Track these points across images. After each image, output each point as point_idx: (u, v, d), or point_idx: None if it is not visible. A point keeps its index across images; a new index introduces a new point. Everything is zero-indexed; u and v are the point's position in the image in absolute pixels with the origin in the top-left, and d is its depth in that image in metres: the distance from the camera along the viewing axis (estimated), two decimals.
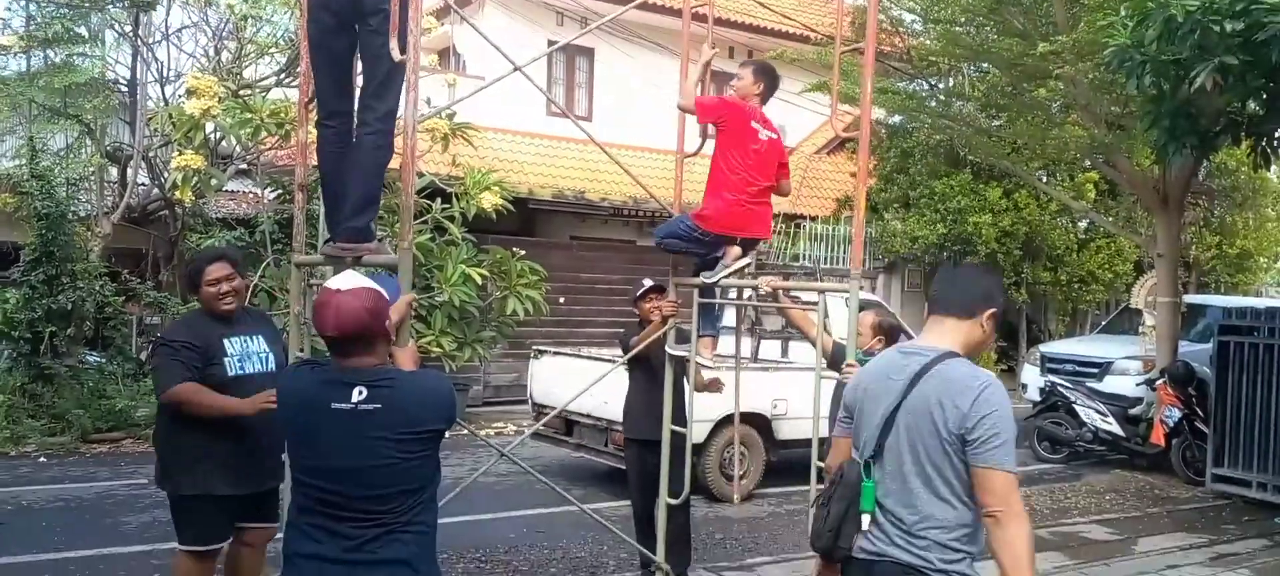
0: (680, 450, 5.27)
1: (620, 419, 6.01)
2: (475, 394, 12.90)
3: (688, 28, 5.43)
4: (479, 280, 10.22)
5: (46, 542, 6.31)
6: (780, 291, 4.97)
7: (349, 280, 2.71)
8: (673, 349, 5.27)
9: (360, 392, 2.59)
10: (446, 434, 2.78)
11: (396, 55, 3.58)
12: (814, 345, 4.58)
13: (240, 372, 4.00)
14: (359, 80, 3.97)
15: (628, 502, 6.04)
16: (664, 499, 5.26)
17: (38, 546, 6.21)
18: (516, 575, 6.05)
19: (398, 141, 3.85)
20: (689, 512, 5.71)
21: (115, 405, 9.78)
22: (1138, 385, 10.96)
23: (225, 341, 4.01)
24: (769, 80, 4.89)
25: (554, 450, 9.55)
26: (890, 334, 4.70)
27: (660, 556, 5.35)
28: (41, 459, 9.06)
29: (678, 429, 5.27)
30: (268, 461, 4.02)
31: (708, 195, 4.84)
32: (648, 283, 5.69)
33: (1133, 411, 10.45)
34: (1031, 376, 13.11)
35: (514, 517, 7.34)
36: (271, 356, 4.14)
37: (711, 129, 5.05)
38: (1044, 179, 14.88)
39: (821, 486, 2.82)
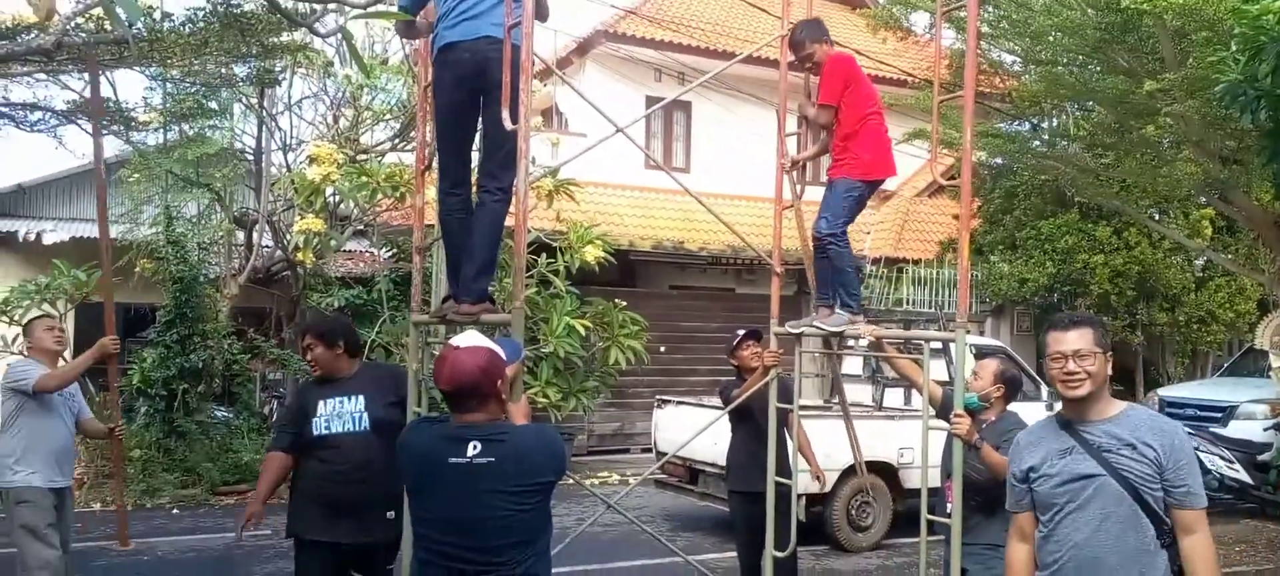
0: (786, 501, 5.28)
1: None
2: (580, 443, 13.09)
3: (785, 79, 5.54)
4: (582, 331, 10.46)
5: None
6: (883, 340, 4.99)
7: (468, 339, 2.87)
8: (776, 402, 5.30)
9: (475, 447, 2.72)
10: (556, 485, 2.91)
11: (508, 125, 3.78)
12: (926, 393, 4.55)
13: (325, 432, 4.24)
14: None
15: (733, 553, 6.08)
16: (769, 551, 5.26)
17: None
18: None
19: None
20: (796, 566, 5.71)
21: (242, 458, 10.28)
22: (1266, 430, 10.45)
23: (320, 402, 4.29)
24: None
25: (660, 499, 9.65)
26: (1011, 384, 4.56)
27: None
28: (175, 510, 9.57)
29: (783, 481, 5.29)
30: (370, 514, 4.22)
31: (856, 149, 4.90)
32: (742, 332, 5.76)
33: (1261, 458, 9.97)
34: None
35: (620, 568, 7.43)
36: (365, 416, 4.30)
37: (810, 172, 5.19)
38: (1157, 217, 14.39)
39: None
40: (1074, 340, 2.81)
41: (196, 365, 10.28)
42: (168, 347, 10.27)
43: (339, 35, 2.60)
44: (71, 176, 14.06)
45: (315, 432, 4.24)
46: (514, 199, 3.92)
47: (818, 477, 6.04)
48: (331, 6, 3.63)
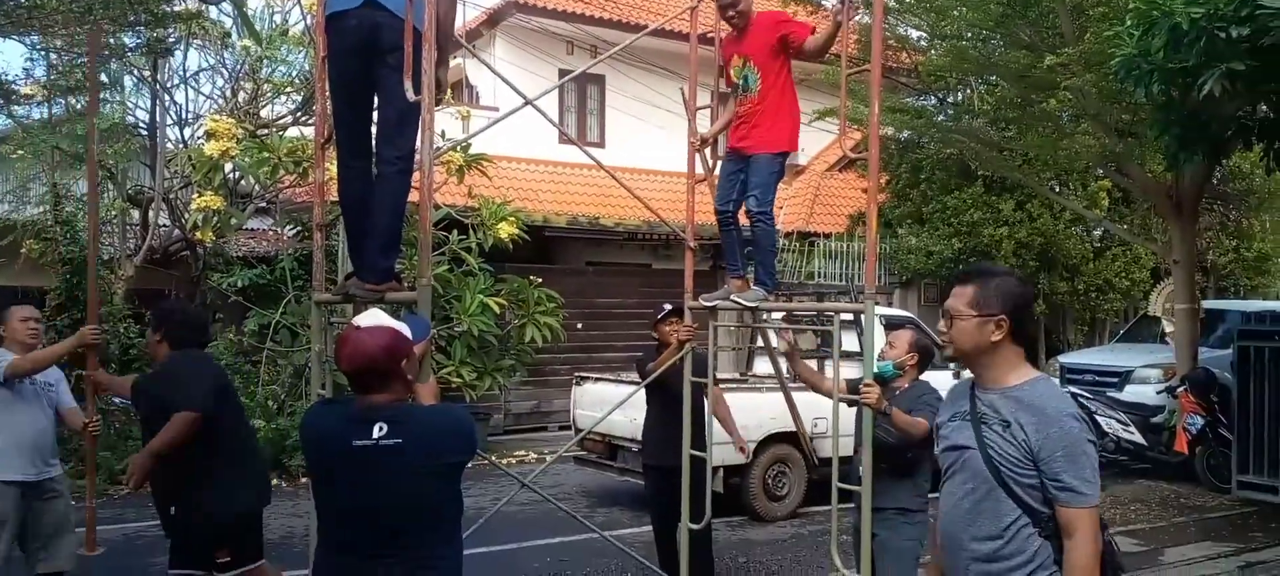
0: (701, 475, 5.29)
1: None
2: (496, 422, 12.96)
3: (696, 52, 5.51)
4: (497, 309, 10.32)
5: None
6: (793, 348, 5.09)
7: (371, 318, 2.77)
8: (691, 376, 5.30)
9: (381, 428, 2.64)
10: (468, 465, 2.83)
11: (411, 96, 3.66)
12: (835, 394, 4.59)
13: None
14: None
15: (650, 527, 6.07)
16: (685, 524, 5.27)
17: None
18: None
19: (416, 176, 3.93)
20: (711, 538, 5.73)
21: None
22: (1159, 393, 10.91)
23: None
24: None
25: (578, 476, 9.61)
26: (924, 353, 4.67)
27: None
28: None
29: (697, 453, 5.30)
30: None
31: (785, 121, 4.92)
32: (668, 306, 5.74)
33: (1155, 420, 10.40)
34: None
35: (537, 547, 7.37)
36: None
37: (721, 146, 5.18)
38: (1057, 189, 14.86)
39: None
40: (953, 299, 2.61)
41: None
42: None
43: (231, 2, 2.44)
44: None
45: None
46: (417, 172, 3.79)
47: (740, 448, 6.06)
48: None
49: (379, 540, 2.65)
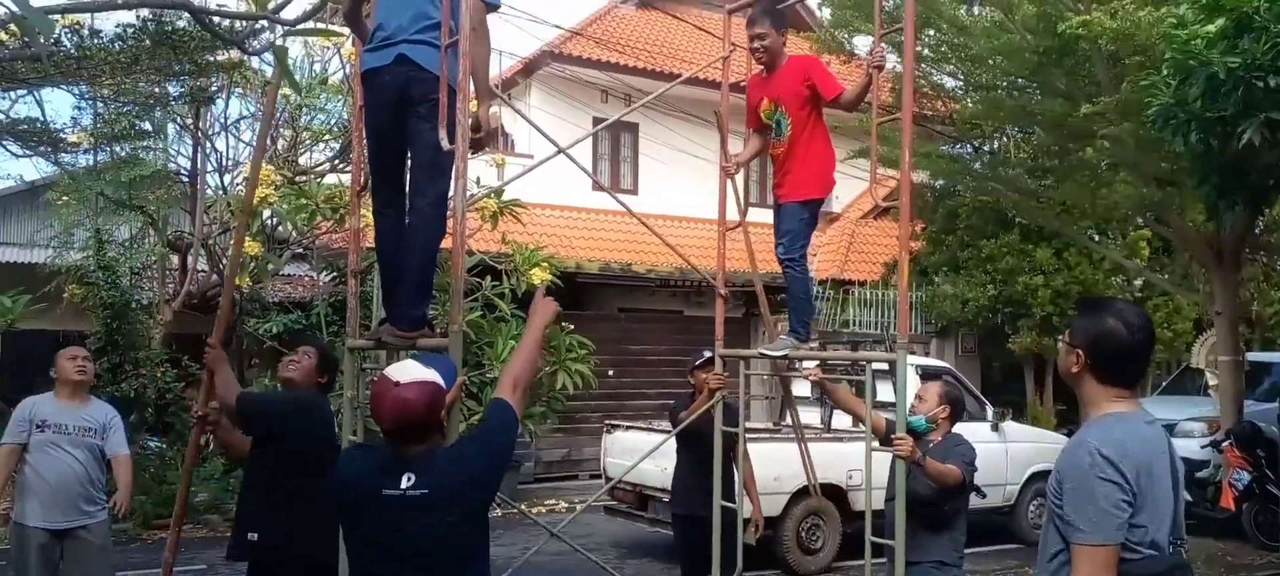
0: (732, 527, 5.22)
1: None
2: (526, 470, 12.91)
3: (727, 100, 5.53)
4: None
5: None
6: (825, 377, 5.01)
7: (406, 371, 2.75)
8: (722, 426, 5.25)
9: (409, 478, 2.66)
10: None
11: (445, 145, 3.69)
12: (868, 422, 4.53)
13: None
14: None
15: None
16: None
17: None
18: None
19: (450, 223, 3.96)
20: None
21: (176, 490, 9.93)
22: (1203, 447, 10.65)
23: None
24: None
25: (609, 526, 9.54)
26: (956, 405, 4.59)
27: None
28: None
29: (728, 504, 5.23)
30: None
31: (816, 166, 4.90)
32: (707, 354, 5.69)
33: (1200, 475, 10.15)
34: None
35: None
36: None
37: (755, 193, 5.15)
38: (1095, 238, 14.68)
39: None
40: None
41: (128, 394, 9.94)
42: (98, 377, 9.91)
43: (273, 54, 2.49)
44: None
45: None
46: (451, 219, 3.82)
47: (757, 526, 5.92)
48: (262, 25, 3.51)
49: None
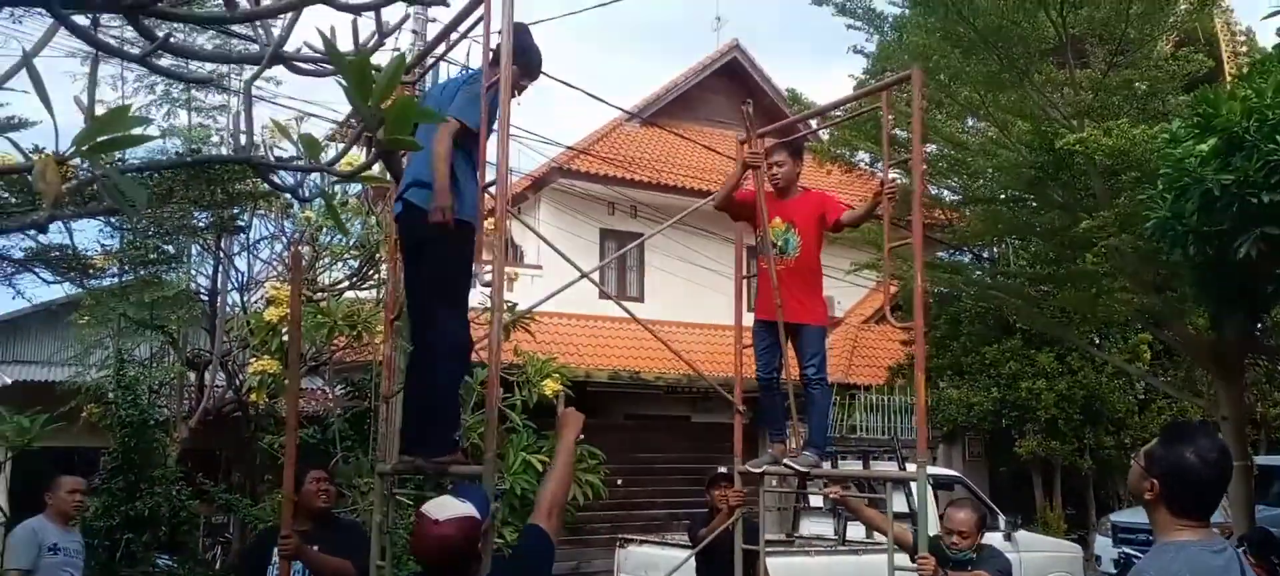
0: None
1: None
2: None
3: (762, 202, 5.73)
4: (540, 467, 10.33)
5: None
6: (845, 495, 5.13)
7: (444, 509, 2.85)
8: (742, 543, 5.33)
9: None
10: None
11: (485, 278, 3.91)
12: (891, 539, 4.63)
13: None
14: None
15: None
16: None
17: None
18: None
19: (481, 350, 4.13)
20: None
21: None
22: None
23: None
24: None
25: None
26: (985, 521, 4.72)
27: None
28: None
29: None
30: None
31: (821, 291, 5.19)
32: (723, 470, 5.81)
33: None
34: (1104, 547, 12.74)
35: None
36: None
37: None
38: (1097, 342, 14.83)
39: None
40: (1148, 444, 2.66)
41: (143, 512, 9.94)
42: (113, 495, 9.93)
43: (322, 197, 2.69)
44: (16, 319, 13.81)
45: None
46: (490, 352, 3.97)
47: None
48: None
49: None
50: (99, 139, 2.07)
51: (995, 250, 14.66)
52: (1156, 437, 2.61)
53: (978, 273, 13.94)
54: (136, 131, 2.36)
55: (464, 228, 3.84)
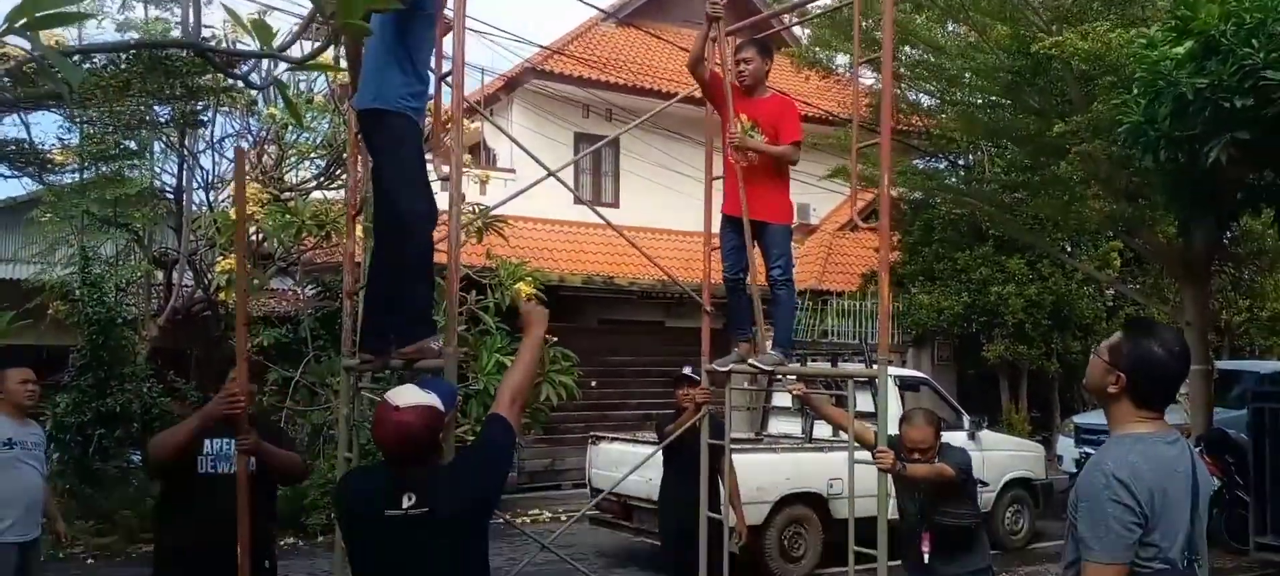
0: (718, 537, 5.35)
1: None
2: (511, 480, 12.99)
3: (710, 118, 5.67)
4: None
5: None
6: (808, 393, 5.17)
7: (405, 396, 2.84)
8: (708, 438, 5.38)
9: (410, 498, 2.73)
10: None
11: (441, 173, 3.84)
12: (851, 434, 4.69)
13: (212, 471, 4.03)
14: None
15: None
16: None
17: None
18: None
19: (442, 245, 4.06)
20: None
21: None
22: None
23: (207, 441, 4.02)
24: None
25: (593, 536, 9.65)
26: (939, 426, 4.79)
27: None
28: (89, 560, 9.25)
29: (715, 515, 5.37)
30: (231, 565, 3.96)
31: (786, 189, 5.10)
32: (687, 370, 5.84)
33: None
34: (1066, 447, 13.03)
35: None
36: (252, 460, 4.06)
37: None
38: (1068, 250, 14.94)
39: None
40: (1107, 339, 2.67)
41: (114, 409, 9.96)
42: (82, 391, 9.94)
43: (276, 88, 2.60)
44: None
45: (200, 471, 4.02)
46: (449, 245, 3.92)
47: (740, 534, 6.05)
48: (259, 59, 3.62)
49: None
50: (37, 15, 1.97)
51: (970, 157, 14.64)
52: (1119, 333, 2.63)
53: (952, 179, 13.93)
54: (71, 9, 2.26)
55: (398, 118, 3.74)
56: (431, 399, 2.85)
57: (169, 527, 4.16)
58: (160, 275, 12.06)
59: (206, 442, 4.05)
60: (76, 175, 10.65)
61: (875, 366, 5.06)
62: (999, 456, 9.96)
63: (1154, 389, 2.53)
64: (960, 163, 14.72)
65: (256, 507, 3.96)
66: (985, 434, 9.94)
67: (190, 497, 3.95)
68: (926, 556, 4.57)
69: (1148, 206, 10.31)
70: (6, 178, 10.11)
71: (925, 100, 13.35)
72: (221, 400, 3.89)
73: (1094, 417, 13.28)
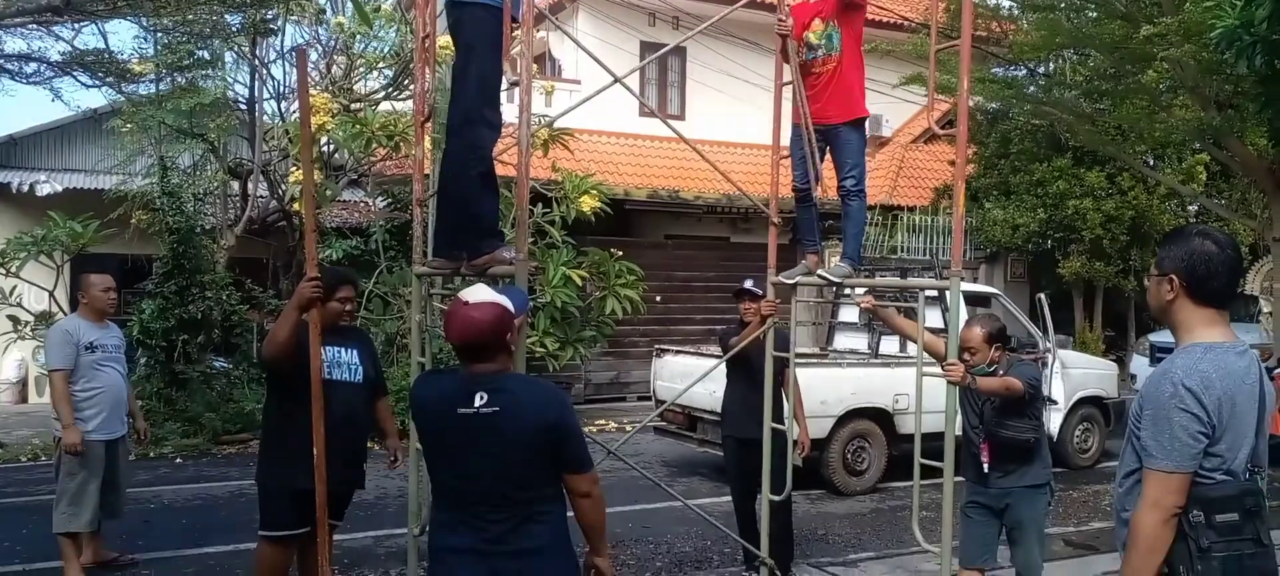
0: (782, 448, 5.37)
1: None
2: (577, 392, 13.21)
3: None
4: (579, 281, 10.50)
5: (188, 538, 6.79)
6: (876, 305, 5.08)
7: (477, 294, 2.93)
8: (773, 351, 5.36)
9: (481, 397, 2.81)
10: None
11: (510, 77, 3.82)
12: (920, 344, 4.63)
13: (328, 377, 4.18)
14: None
15: (728, 498, 6.18)
16: (766, 496, 5.35)
17: (180, 542, 6.68)
18: (625, 569, 6.25)
19: (504, 148, 4.08)
20: (790, 509, 5.81)
21: (243, 408, 10.36)
22: None
23: (325, 348, 4.16)
24: None
25: (657, 446, 9.78)
26: (998, 336, 4.64)
27: (764, 551, 5.44)
28: (178, 460, 9.67)
29: (778, 426, 5.37)
30: (346, 466, 4.34)
31: (860, 81, 4.93)
32: (749, 283, 5.80)
33: None
34: (1141, 367, 12.76)
35: (620, 513, 7.53)
36: (360, 369, 4.47)
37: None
38: (1151, 163, 14.41)
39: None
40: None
41: (195, 316, 10.31)
42: (166, 299, 10.29)
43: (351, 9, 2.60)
44: (63, 126, 13.95)
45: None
46: (510, 151, 3.93)
47: (803, 446, 6.06)
48: None
49: (487, 496, 2.84)
50: None
51: (1051, 65, 14.08)
52: (1164, 246, 2.57)
53: (1032, 88, 13.44)
54: None
55: (484, 10, 3.80)
56: (504, 300, 2.94)
57: (280, 428, 4.36)
58: (236, 185, 12.32)
59: (325, 350, 4.17)
60: (153, 86, 10.86)
61: (946, 280, 4.95)
62: (1073, 374, 9.78)
63: (1209, 281, 2.46)
64: (1040, 71, 14.18)
65: (361, 413, 4.29)
66: (1058, 351, 9.74)
67: (305, 400, 4.05)
68: (985, 466, 4.53)
69: (1239, 116, 9.85)
70: (87, 87, 10.33)
71: (1005, 3, 12.85)
72: (307, 283, 4.02)
73: (1169, 337, 12.94)
